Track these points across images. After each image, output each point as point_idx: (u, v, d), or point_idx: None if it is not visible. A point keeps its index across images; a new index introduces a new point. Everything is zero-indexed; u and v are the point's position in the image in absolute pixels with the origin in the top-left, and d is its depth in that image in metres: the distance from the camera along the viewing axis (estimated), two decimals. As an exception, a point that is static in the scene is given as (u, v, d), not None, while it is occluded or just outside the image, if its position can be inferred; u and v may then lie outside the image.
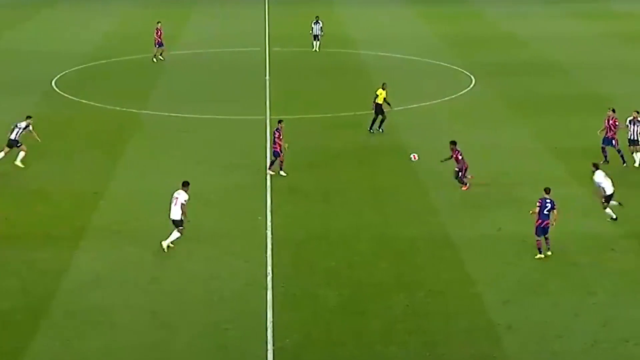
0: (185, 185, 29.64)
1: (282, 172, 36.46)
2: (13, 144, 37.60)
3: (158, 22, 59.57)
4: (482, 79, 54.23)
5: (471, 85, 52.77)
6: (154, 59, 59.17)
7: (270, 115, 45.32)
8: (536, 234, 29.04)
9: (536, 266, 28.63)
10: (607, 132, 38.05)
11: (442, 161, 35.73)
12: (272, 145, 36.75)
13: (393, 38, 68.14)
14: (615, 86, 52.39)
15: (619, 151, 37.85)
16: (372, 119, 42.86)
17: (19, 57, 60.62)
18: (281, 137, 36.41)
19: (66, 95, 50.26)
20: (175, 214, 29.31)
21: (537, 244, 29.05)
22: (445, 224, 31.91)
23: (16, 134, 37.67)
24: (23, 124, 38.08)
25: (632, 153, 38.07)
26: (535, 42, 66.46)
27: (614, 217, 31.84)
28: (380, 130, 42.76)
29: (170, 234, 29.25)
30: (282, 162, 36.51)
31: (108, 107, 47.55)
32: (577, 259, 29.17)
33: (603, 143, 38.13)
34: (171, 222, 29.35)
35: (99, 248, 29.80)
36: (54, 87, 52.10)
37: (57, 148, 40.24)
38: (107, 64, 59.06)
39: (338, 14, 77.35)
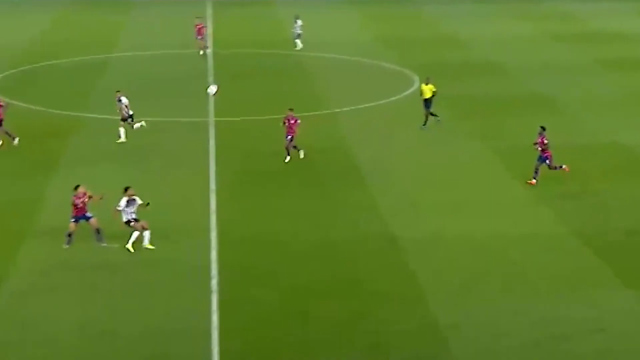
0: (125, 190, 29.58)
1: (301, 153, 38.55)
2: None
3: (197, 18, 61.88)
4: (424, 80, 54.27)
5: (414, 87, 52.85)
6: (202, 51, 60.77)
7: (213, 116, 44.93)
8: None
9: (478, 266, 28.70)
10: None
11: (534, 144, 35.89)
12: (290, 131, 38.02)
13: (336, 40, 68.05)
14: (551, 86, 52.91)
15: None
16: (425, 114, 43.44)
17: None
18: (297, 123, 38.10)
19: (4, 98, 49.33)
20: (122, 217, 29.33)
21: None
22: (388, 224, 31.86)
23: None
24: None
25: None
26: (476, 43, 66.86)
27: None
28: (437, 119, 43.65)
29: (142, 235, 29.34)
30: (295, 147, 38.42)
31: (47, 109, 46.84)
32: (518, 259, 29.29)
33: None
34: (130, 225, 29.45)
35: (36, 255, 29.22)
36: (-8, 90, 51.25)
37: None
38: (44, 67, 58.18)
39: (277, 15, 77.07)
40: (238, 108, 47.27)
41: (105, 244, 29.63)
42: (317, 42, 66.38)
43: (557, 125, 43.95)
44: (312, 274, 28.10)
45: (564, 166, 36.05)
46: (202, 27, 61.54)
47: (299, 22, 63.89)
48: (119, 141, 41.01)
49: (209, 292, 26.52)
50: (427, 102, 43.80)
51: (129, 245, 29.26)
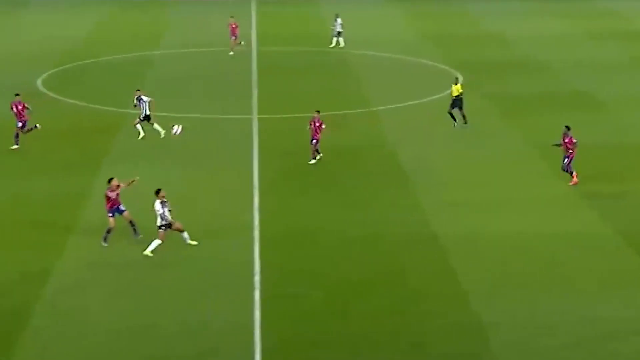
0: (157, 193, 29.37)
1: (317, 157, 38.01)
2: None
3: (231, 17, 61.81)
4: (469, 78, 54.25)
5: (458, 84, 52.70)
6: (242, 43, 61.15)
7: (257, 114, 45.28)
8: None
9: (521, 264, 28.72)
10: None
11: (552, 145, 35.78)
12: (316, 135, 37.76)
13: (379, 37, 68.03)
14: (595, 84, 52.62)
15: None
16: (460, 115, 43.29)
17: (4, 57, 60.19)
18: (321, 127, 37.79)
19: (51, 94, 50.12)
20: (160, 221, 29.32)
21: None
22: (429, 222, 31.95)
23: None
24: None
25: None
26: (520, 41, 66.52)
27: None
28: (463, 123, 43.19)
29: (151, 242, 29.20)
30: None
31: (93, 106, 47.43)
32: (559, 257, 29.26)
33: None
34: (168, 227, 29.41)
35: (83, 249, 29.68)
36: (40, 86, 51.94)
37: (42, 147, 40.11)
38: (91, 64, 58.85)
39: (322, 13, 77.17)
40: (281, 105, 47.54)
41: (141, 236, 29.99)
42: (360, 40, 66.42)
43: (598, 123, 43.94)
44: (354, 270, 28.28)
45: (574, 174, 35.29)
46: (236, 26, 61.45)
47: (339, 20, 64.00)
48: (139, 137, 41.40)
49: (251, 288, 26.80)
50: (456, 102, 43.37)
51: (148, 252, 29.07)
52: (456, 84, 43.76)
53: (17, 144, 39.93)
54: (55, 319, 25.22)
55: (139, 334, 24.38)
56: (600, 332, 24.54)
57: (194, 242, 29.74)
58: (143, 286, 27.25)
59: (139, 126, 41.48)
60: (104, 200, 30.01)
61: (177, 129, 33.60)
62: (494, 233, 31.12)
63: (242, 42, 61.54)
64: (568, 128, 35.53)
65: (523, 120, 45.20)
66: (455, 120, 43.34)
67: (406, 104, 48.30)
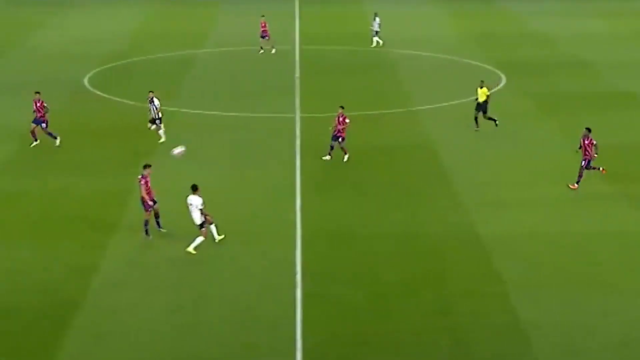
0: (195, 189, 29.46)
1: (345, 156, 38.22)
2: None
3: (262, 16, 61.76)
4: (513, 77, 54.16)
5: (502, 84, 52.70)
6: (273, 49, 60.97)
7: (300, 113, 45.49)
8: None
9: (564, 265, 28.62)
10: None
11: (577, 151, 35.32)
12: (340, 132, 37.87)
13: (423, 36, 68.08)
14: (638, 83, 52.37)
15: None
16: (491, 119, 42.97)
17: (49, 55, 61.10)
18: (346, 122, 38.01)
19: (98, 92, 50.70)
20: (196, 218, 29.39)
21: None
22: (474, 223, 31.93)
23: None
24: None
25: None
26: (564, 40, 66.21)
27: None
28: (476, 128, 42.81)
29: (194, 240, 29.35)
30: (333, 147, 38.21)
31: (139, 104, 47.87)
32: (603, 257, 29.11)
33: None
34: (199, 228, 29.53)
35: (127, 245, 30.02)
36: (86, 84, 52.56)
37: (87, 145, 40.60)
38: (137, 62, 59.45)
39: (366, 13, 77.20)
40: (323, 104, 47.66)
41: (164, 230, 30.30)
42: (403, 39, 66.50)
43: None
44: (396, 269, 28.33)
45: (579, 180, 34.90)
46: (266, 25, 61.27)
47: (378, 19, 64.00)
48: (160, 141, 41.11)
49: (293, 286, 26.97)
50: (480, 106, 42.86)
51: (191, 249, 29.24)
52: (482, 87, 43.08)
53: (35, 140, 40.60)
54: (100, 316, 25.49)
55: (182, 331, 24.60)
56: (644, 334, 24.44)
57: (221, 236, 29.88)
58: (187, 282, 27.50)
59: (161, 131, 41.45)
60: (143, 188, 30.08)
61: (179, 150, 33.52)
62: (535, 232, 31.04)
63: (263, 49, 61.24)
64: (589, 130, 35.12)
65: (566, 119, 44.97)
66: (478, 125, 42.81)
67: (448, 103, 48.25)
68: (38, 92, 41.24)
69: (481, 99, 42.86)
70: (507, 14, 79.19)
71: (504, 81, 53.36)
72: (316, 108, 46.66)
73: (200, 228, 29.37)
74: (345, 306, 25.98)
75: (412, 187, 35.66)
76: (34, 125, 40.55)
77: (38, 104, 40.60)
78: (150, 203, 30.18)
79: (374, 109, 46.98)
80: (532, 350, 23.68)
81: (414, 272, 28.17)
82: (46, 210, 33.25)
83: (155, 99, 41.35)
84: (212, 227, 29.71)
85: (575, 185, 34.88)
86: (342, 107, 38.62)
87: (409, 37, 67.69)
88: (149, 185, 30.23)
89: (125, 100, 48.92)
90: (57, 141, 40.50)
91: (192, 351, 23.67)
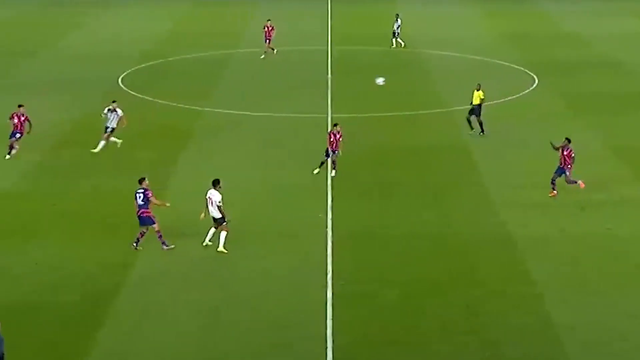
0: (216, 184, 29.45)
1: (316, 170, 36.82)
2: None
3: (268, 20, 60.88)
4: (545, 78, 53.92)
5: (534, 85, 52.50)
6: (273, 51, 60.16)
7: (331, 113, 45.56)
8: None
9: (596, 267, 28.48)
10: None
11: (552, 144, 34.99)
12: (334, 146, 36.56)
13: (455, 37, 67.96)
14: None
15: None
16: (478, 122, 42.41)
17: (84, 55, 61.53)
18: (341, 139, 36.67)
19: (132, 92, 51.03)
20: (215, 213, 29.39)
21: None
22: (505, 223, 31.85)
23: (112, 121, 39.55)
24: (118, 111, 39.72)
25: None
26: (597, 40, 65.86)
27: None
28: (478, 132, 42.11)
29: (219, 238, 29.36)
30: (333, 162, 36.80)
31: (171, 104, 48.17)
32: (638, 260, 28.91)
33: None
34: (213, 221, 29.47)
35: (159, 244, 30.15)
36: (120, 84, 52.94)
37: (121, 144, 40.88)
38: (169, 62, 59.78)
39: (400, 13, 77.18)
40: (355, 104, 47.74)
41: (140, 248, 29.49)
42: (434, 40, 66.43)
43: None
44: (427, 269, 28.33)
45: (579, 181, 34.40)
46: (272, 29, 60.38)
47: (399, 20, 63.85)
48: (95, 150, 39.49)
49: (324, 286, 27.04)
50: (476, 109, 42.14)
51: (222, 248, 29.28)
52: (478, 90, 42.27)
53: (9, 154, 38.84)
54: (131, 313, 25.65)
55: (212, 330, 24.73)
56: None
57: (225, 251, 29.40)
58: (218, 280, 27.60)
59: (113, 139, 39.81)
60: (153, 200, 29.50)
61: (380, 80, 32.46)
62: (569, 233, 30.90)
63: (275, 50, 60.49)
64: (569, 141, 34.60)
65: (599, 120, 44.78)
66: (472, 127, 42.20)
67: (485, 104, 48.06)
68: (21, 105, 39.12)
69: (476, 102, 42.19)
70: (539, 14, 78.85)
71: (536, 82, 53.13)
72: (348, 108, 46.69)
73: (222, 222, 29.33)
74: (376, 306, 26.00)
75: (444, 187, 35.62)
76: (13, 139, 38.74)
77: (22, 118, 38.65)
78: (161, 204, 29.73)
79: (406, 109, 46.95)
80: (563, 351, 23.57)
81: (444, 272, 28.13)
82: (81, 210, 33.50)
83: (118, 109, 39.72)
84: (223, 234, 29.40)
85: (554, 192, 34.38)
86: (336, 125, 37.25)
87: (440, 37, 67.59)
88: (152, 197, 29.49)
89: (158, 100, 49.17)
90: (8, 156, 38.56)
91: (221, 351, 23.73)
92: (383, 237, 30.88)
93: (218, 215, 29.43)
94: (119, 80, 53.81)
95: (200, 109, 47.33)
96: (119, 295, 26.55)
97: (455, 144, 41.21)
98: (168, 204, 30.46)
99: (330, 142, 36.76)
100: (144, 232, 29.50)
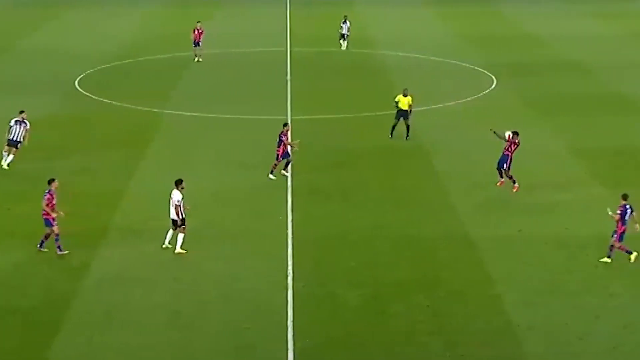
0: (178, 184, 29.26)
1: (284, 172, 36.56)
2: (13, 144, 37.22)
3: (198, 22, 60.07)
4: (504, 79, 54.19)
5: (492, 86, 52.73)
6: (198, 59, 59.04)
7: (291, 115, 45.44)
8: (619, 240, 28.68)
9: (556, 267, 28.60)
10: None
11: (493, 131, 35.47)
12: (281, 148, 36.12)
13: (413, 38, 68.14)
14: (636, 86, 52.32)
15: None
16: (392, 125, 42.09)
17: (43, 57, 60.95)
18: (287, 139, 36.49)
19: (89, 94, 50.55)
20: (173, 214, 29.20)
21: (622, 249, 28.72)
22: (465, 224, 31.92)
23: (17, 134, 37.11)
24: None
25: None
26: (555, 41, 66.34)
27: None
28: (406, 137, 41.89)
29: (177, 240, 29.18)
30: (288, 162, 36.58)
31: (130, 106, 47.79)
32: (599, 262, 29.05)
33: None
34: (172, 223, 29.24)
35: (120, 247, 29.93)
36: (77, 86, 52.40)
37: (79, 147, 40.49)
38: (129, 64, 59.34)
39: (358, 14, 77.22)
40: (315, 106, 47.67)
41: (46, 250, 29.22)
42: (393, 41, 66.57)
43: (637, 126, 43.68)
44: (389, 271, 28.29)
45: (515, 184, 34.80)
46: (202, 32, 59.14)
47: (348, 23, 63.81)
48: (4, 166, 37.48)
49: (285, 288, 26.90)
50: (403, 113, 41.66)
51: (179, 249, 29.13)
52: (405, 96, 41.82)
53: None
54: (92, 317, 25.37)
55: (174, 333, 24.52)
56: (638, 339, 24.34)
57: (183, 251, 29.27)
58: (182, 283, 27.37)
59: (10, 158, 37.32)
60: (46, 202, 28.91)
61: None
62: (530, 235, 31.01)
63: (199, 59, 59.03)
64: (516, 133, 34.97)
65: (558, 120, 45.06)
66: (392, 133, 41.82)
67: (439, 105, 48.24)
68: (22, 111, 37.80)
69: (404, 107, 41.70)
70: (498, 16, 79.31)
71: (494, 83, 53.37)
72: (307, 110, 46.60)
73: (181, 225, 29.11)
74: (339, 308, 25.94)
75: (406, 189, 35.62)
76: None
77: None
78: (54, 215, 28.96)
79: (365, 110, 46.95)
80: (524, 352, 23.65)
81: (406, 273, 28.13)
82: (37, 213, 33.02)
83: (26, 121, 37.38)
84: (180, 236, 29.16)
85: (515, 185, 34.75)
86: (285, 125, 37.04)
87: (399, 39, 67.72)
88: (54, 200, 29.00)
89: (114, 102, 48.71)
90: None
91: (184, 355, 23.56)
92: (344, 238, 30.81)
93: (175, 216, 29.17)
94: (76, 82, 53.25)
95: (159, 111, 46.98)
96: (76, 299, 26.21)
97: (415, 145, 41.25)
98: (62, 213, 29.24)
99: (283, 143, 36.26)
100: (48, 234, 29.09)
